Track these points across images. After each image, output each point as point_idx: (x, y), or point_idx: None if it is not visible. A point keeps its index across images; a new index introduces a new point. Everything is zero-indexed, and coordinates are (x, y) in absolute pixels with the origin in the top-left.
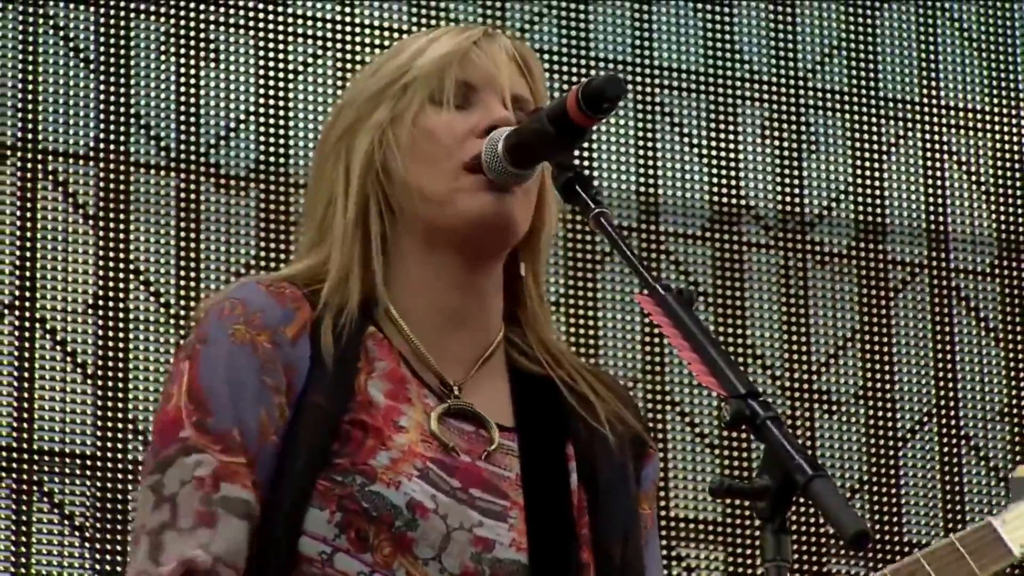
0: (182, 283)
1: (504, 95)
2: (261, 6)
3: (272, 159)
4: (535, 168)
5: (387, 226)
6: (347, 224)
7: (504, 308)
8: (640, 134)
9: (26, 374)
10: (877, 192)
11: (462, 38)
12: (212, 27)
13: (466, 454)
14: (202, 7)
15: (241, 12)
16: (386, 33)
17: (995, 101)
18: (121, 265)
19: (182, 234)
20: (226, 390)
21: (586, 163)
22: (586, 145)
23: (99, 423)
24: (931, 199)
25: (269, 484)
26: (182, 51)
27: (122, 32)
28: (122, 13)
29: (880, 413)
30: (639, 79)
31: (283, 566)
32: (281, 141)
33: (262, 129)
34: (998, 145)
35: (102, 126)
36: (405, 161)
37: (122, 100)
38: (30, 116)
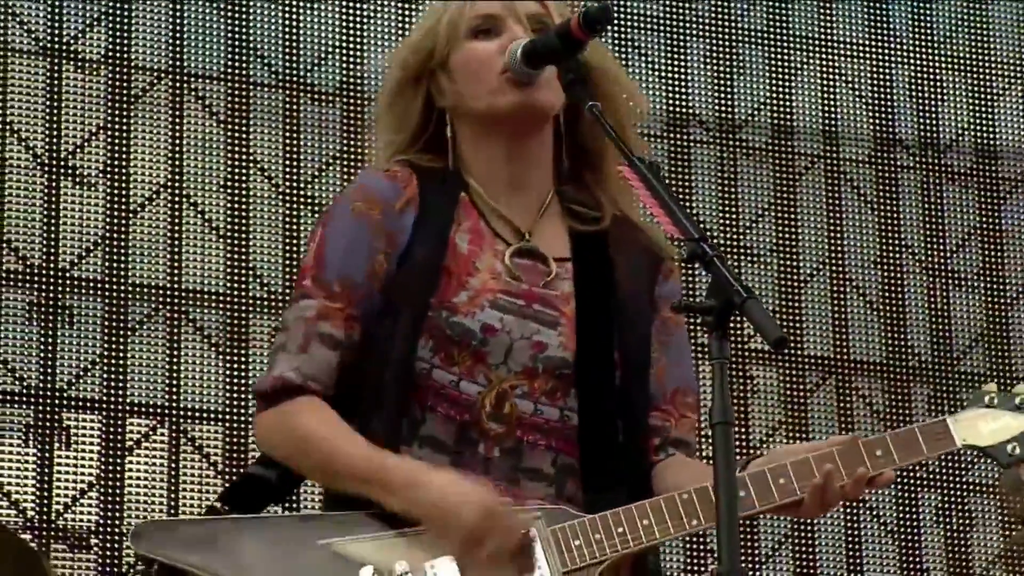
0: (287, 171)
1: (521, 18)
2: None
3: (354, 80)
4: (545, 68)
5: (449, 126)
6: (421, 124)
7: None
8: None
9: (176, 242)
10: (787, 103)
11: None
12: None
13: (528, 282)
14: None
15: None
16: None
17: (873, 37)
18: (243, 159)
19: (286, 135)
20: (340, 253)
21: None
22: None
23: (226, 268)
24: (826, 108)
25: (377, 319)
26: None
27: None
28: None
29: (786, 263)
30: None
31: (402, 380)
32: (359, 66)
33: (347, 56)
34: (874, 69)
35: (230, 53)
36: (455, 79)
37: (244, 33)
38: (178, 46)
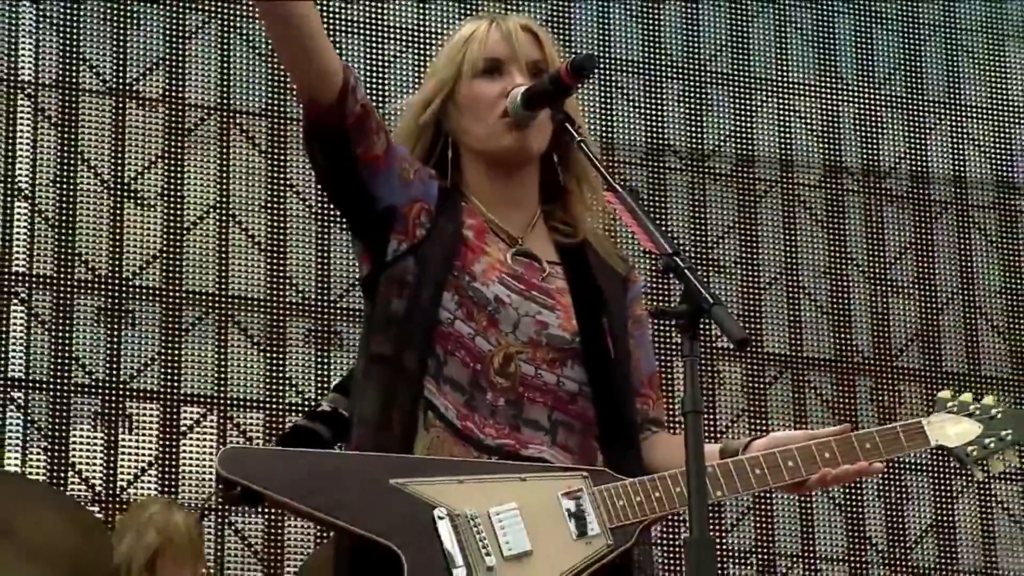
0: (319, 194)
1: (522, 65)
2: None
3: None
4: (540, 111)
5: (451, 150)
6: (430, 151)
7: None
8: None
9: (223, 255)
10: (748, 135)
11: (479, 28)
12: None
13: (528, 275)
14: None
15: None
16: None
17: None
18: (281, 183)
19: None
20: (398, 150)
21: None
22: None
23: (266, 277)
24: (782, 140)
25: (411, 277)
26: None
27: None
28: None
29: (748, 273)
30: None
31: (429, 324)
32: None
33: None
34: (823, 106)
35: (270, 93)
36: (461, 113)
37: (282, 75)
38: (225, 87)
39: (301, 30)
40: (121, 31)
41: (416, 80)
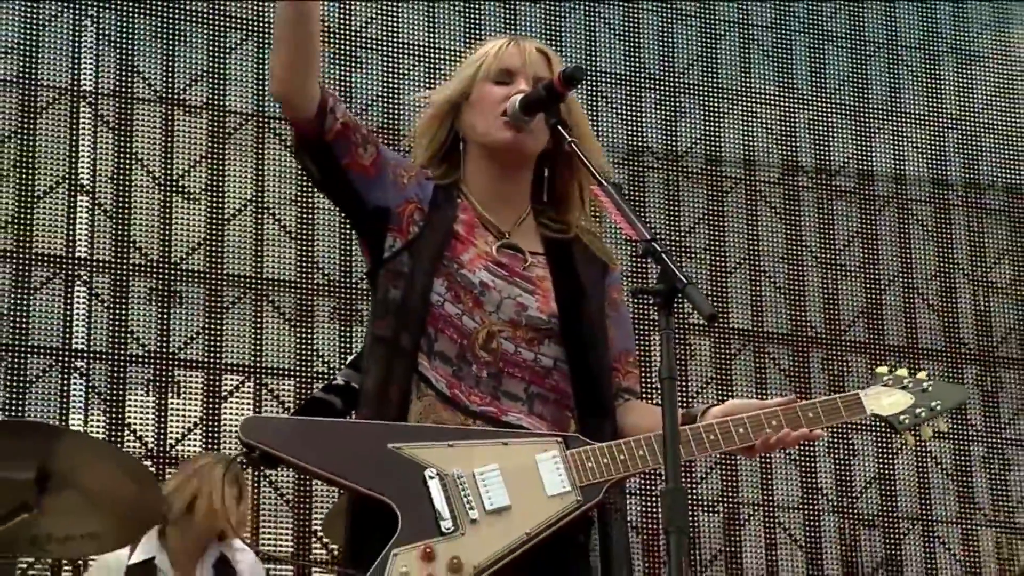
0: None
1: (529, 79)
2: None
3: (392, 122)
4: (536, 115)
5: (462, 149)
6: (438, 149)
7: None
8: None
9: (259, 243)
10: (717, 138)
11: (500, 44)
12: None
13: (511, 265)
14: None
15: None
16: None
17: (780, 88)
18: (310, 180)
19: None
20: (391, 155)
21: None
22: None
23: (297, 262)
24: (746, 142)
25: (405, 266)
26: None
27: None
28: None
29: (716, 258)
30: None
31: (421, 306)
32: (395, 114)
33: (385, 104)
34: (781, 113)
35: None
36: (472, 111)
37: None
38: (261, 95)
39: (309, 44)
40: (170, 47)
41: (428, 89)
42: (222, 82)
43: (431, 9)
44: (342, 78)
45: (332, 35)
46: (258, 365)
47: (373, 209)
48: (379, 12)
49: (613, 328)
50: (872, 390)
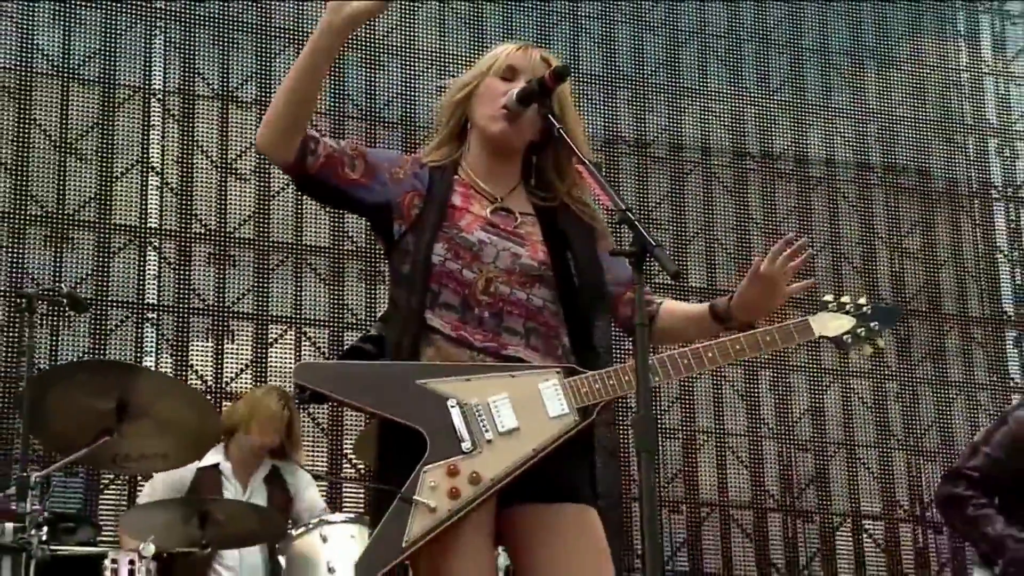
0: None
1: (529, 77)
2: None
3: (408, 116)
4: (530, 106)
5: (468, 129)
6: (452, 129)
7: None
8: None
9: (299, 215)
10: (678, 129)
11: (512, 47)
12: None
13: (504, 224)
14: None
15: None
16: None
17: (732, 87)
18: None
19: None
20: (383, 158)
21: None
22: None
23: (331, 230)
24: (703, 131)
25: (409, 235)
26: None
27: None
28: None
29: (677, 229)
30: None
31: (424, 268)
32: (412, 105)
33: (405, 97)
34: (732, 107)
35: (332, 97)
36: (477, 100)
37: (341, 82)
38: None
39: (312, 102)
40: (225, 52)
41: (438, 89)
42: (269, 81)
43: (441, 19)
44: (368, 73)
45: (359, 42)
46: (298, 317)
47: (375, 207)
48: (399, 21)
49: (612, 266)
50: (819, 316)
